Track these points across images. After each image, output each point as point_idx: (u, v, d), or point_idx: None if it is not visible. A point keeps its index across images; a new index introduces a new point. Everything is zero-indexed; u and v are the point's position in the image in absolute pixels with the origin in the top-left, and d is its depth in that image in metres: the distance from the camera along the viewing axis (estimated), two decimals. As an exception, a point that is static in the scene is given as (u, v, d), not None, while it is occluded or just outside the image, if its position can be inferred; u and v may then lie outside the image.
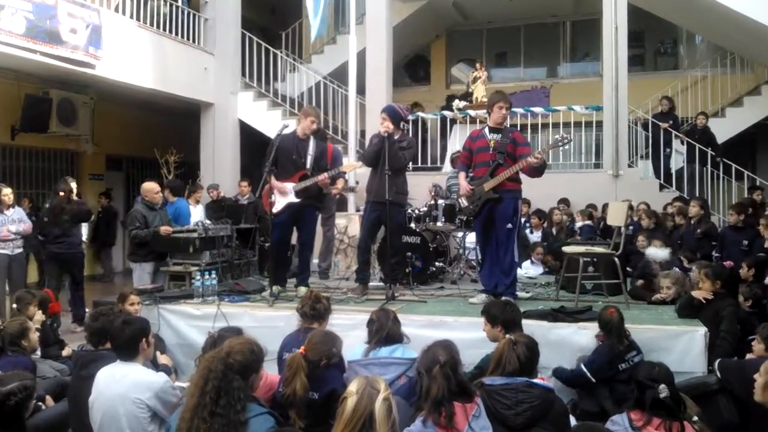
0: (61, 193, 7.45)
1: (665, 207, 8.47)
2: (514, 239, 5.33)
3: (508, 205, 5.24)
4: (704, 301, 4.71)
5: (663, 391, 3.09)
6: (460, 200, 5.70)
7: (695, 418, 3.22)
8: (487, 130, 5.45)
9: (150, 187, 6.79)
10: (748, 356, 3.99)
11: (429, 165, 10.38)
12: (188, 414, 2.61)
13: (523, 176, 5.35)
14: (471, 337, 4.28)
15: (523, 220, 8.69)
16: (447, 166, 9.75)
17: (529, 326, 4.22)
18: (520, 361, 3.12)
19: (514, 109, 9.69)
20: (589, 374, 4.09)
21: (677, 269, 5.71)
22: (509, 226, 5.22)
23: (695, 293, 4.80)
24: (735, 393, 3.75)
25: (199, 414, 2.58)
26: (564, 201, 9.24)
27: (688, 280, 5.35)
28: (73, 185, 8.14)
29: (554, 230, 8.66)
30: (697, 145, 9.53)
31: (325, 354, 3.39)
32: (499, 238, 5.30)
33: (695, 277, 5.09)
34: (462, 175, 5.54)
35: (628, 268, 6.45)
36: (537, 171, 5.20)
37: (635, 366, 3.97)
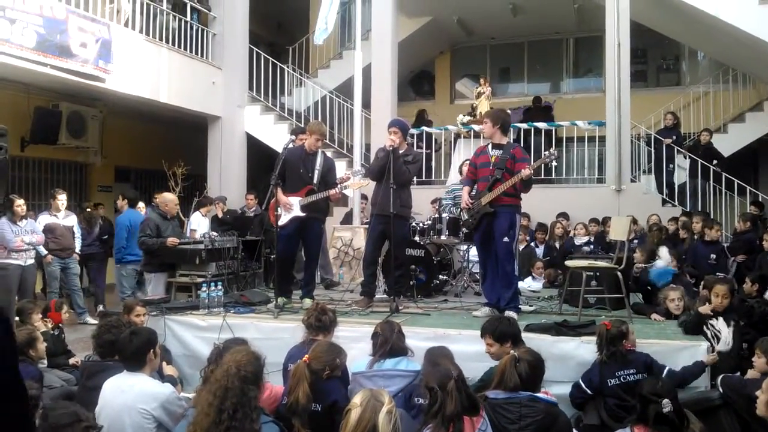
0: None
1: (668, 222, 8.52)
2: (512, 253, 5.36)
3: (504, 219, 5.28)
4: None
5: (666, 405, 3.09)
6: (461, 213, 5.77)
7: (698, 435, 3.23)
8: (490, 146, 5.52)
9: (170, 197, 6.94)
10: (750, 372, 4.01)
11: (433, 179, 10.44)
12: None
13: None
14: (474, 350, 4.30)
15: (527, 236, 8.73)
16: (451, 179, 9.80)
17: (532, 340, 4.26)
18: (522, 378, 3.14)
19: (517, 124, 9.80)
20: (584, 386, 4.10)
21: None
22: (506, 240, 5.26)
23: (702, 309, 4.80)
24: (737, 409, 3.76)
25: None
26: (563, 215, 9.25)
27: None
28: (63, 197, 8.23)
29: (557, 244, 8.68)
30: (700, 161, 9.57)
31: (328, 364, 3.41)
32: (498, 252, 5.34)
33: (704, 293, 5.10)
34: (466, 189, 5.60)
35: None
36: (525, 186, 5.29)
37: (627, 384, 3.95)
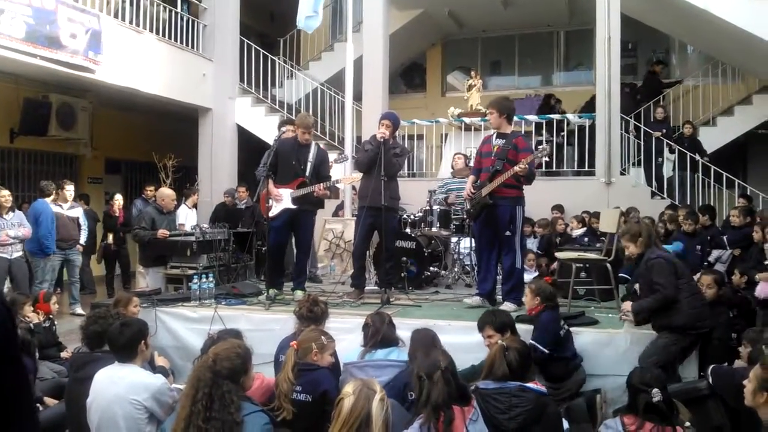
0: None
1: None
2: (515, 245, 5.32)
3: (504, 211, 5.26)
4: None
5: (656, 395, 3.12)
6: (465, 203, 5.77)
7: (687, 424, 3.27)
8: (494, 135, 5.50)
9: (168, 193, 6.92)
10: (737, 362, 4.06)
11: (424, 171, 10.46)
12: (181, 424, 2.65)
13: None
14: (465, 341, 4.34)
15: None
16: (442, 172, 9.82)
17: (522, 331, 4.28)
18: (511, 367, 3.15)
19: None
20: (542, 347, 4.13)
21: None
22: (507, 233, 5.25)
23: None
24: (726, 399, 3.80)
25: (193, 422, 2.63)
26: (558, 207, 9.30)
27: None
28: (71, 188, 8.19)
29: (558, 239, 8.71)
30: (688, 154, 9.64)
31: (314, 340, 3.44)
32: (500, 244, 5.35)
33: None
34: (471, 178, 5.59)
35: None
36: (527, 180, 5.25)
37: (568, 334, 4.29)
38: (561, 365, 4.21)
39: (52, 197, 8.03)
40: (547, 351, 4.12)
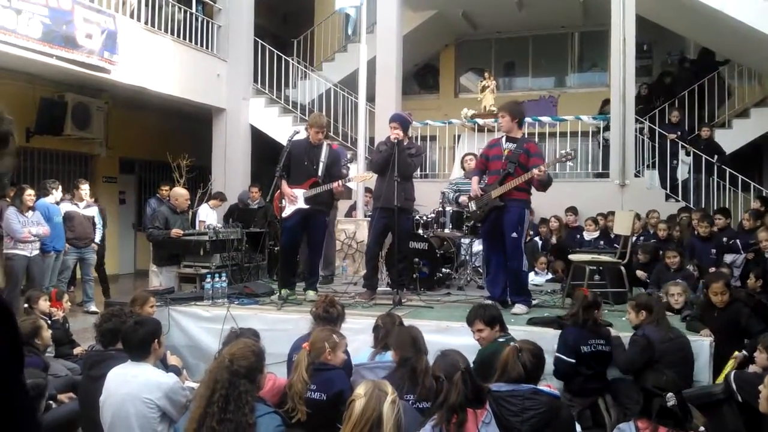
0: None
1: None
2: (521, 248, 5.34)
3: (513, 214, 5.26)
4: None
5: (671, 399, 3.10)
6: (469, 203, 5.77)
7: (702, 429, 3.24)
8: (504, 139, 5.50)
9: (182, 192, 6.94)
10: (751, 367, 4.01)
11: (437, 172, 10.45)
12: (194, 425, 2.66)
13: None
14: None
15: (530, 231, 8.75)
16: (455, 173, 9.79)
17: (535, 333, 4.28)
18: (526, 369, 3.13)
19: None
20: (565, 357, 4.12)
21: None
22: (514, 234, 5.25)
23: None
24: (752, 405, 3.73)
25: (207, 423, 2.63)
26: (572, 209, 9.25)
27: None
28: (87, 187, 8.29)
29: (554, 238, 8.74)
30: (704, 156, 9.55)
31: (326, 340, 3.43)
32: (506, 247, 5.34)
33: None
34: (475, 179, 5.59)
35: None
36: (542, 185, 5.24)
37: (599, 353, 4.15)
38: (578, 380, 4.17)
39: (51, 196, 8.10)
40: (572, 360, 4.11)
